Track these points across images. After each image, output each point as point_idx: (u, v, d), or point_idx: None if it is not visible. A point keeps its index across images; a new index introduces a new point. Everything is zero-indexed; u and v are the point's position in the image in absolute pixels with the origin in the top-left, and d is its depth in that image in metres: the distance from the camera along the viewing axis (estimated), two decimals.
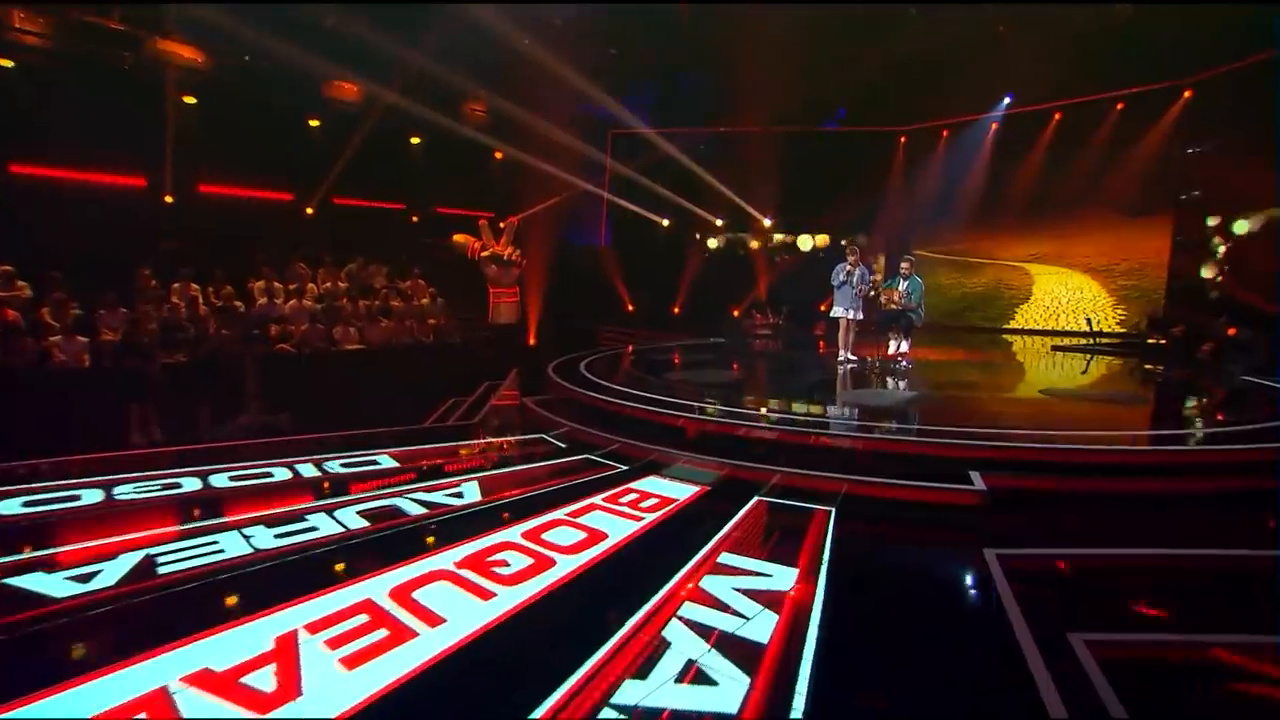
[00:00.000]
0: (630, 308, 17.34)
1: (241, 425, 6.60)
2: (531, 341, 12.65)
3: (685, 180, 16.70)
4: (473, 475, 4.89)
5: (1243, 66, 12.80)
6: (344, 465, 5.15)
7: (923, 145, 17.41)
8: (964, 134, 16.67)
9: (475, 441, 6.05)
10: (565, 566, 3.38)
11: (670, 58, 15.95)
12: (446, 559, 3.42)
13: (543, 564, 3.39)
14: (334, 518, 4.00)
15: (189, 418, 6.49)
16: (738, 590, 3.11)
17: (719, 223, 18.23)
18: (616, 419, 6.18)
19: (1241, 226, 13.58)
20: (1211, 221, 13.99)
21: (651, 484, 4.75)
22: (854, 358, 9.78)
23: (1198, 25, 12.58)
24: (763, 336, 14.70)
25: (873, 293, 9.48)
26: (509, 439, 6.17)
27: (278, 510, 4.10)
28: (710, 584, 3.18)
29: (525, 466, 5.19)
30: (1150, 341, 12.11)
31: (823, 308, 15.99)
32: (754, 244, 18.23)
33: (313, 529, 3.80)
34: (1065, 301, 16.27)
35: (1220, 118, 13.35)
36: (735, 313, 16.16)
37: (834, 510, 4.17)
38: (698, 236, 18.65)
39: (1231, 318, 11.66)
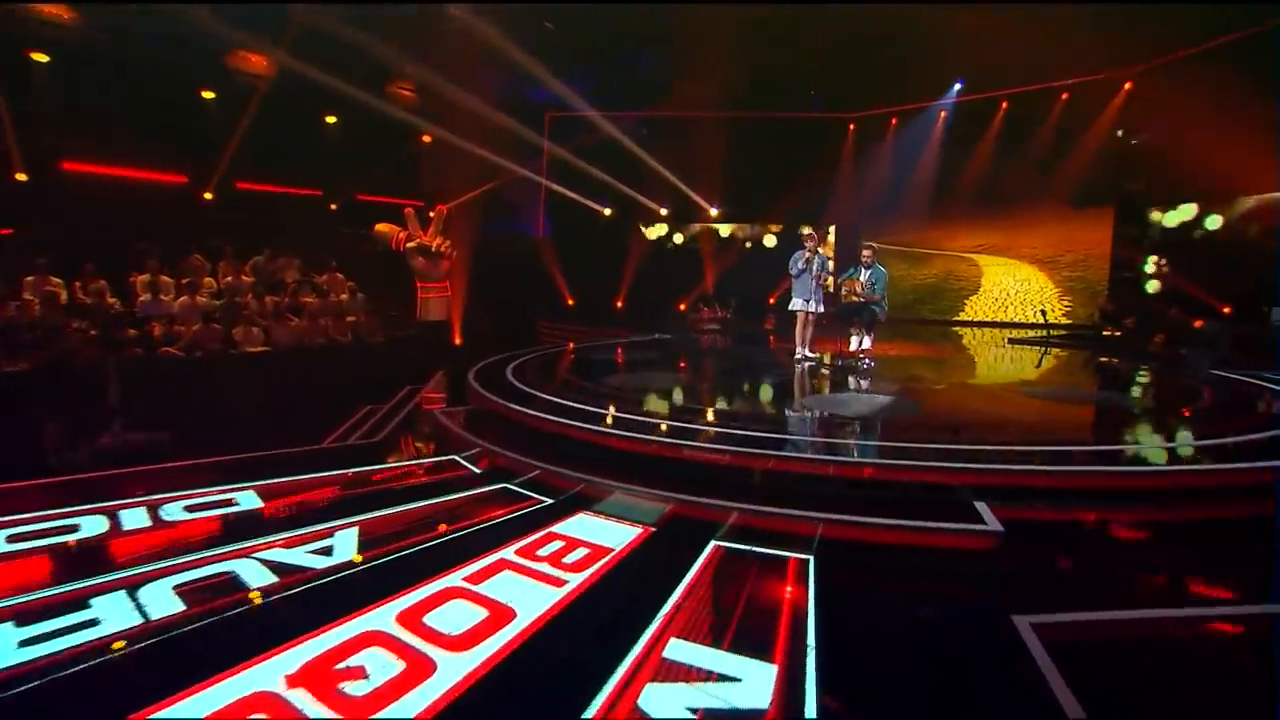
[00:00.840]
0: (570, 302, 16.26)
1: (68, 451, 5.24)
2: (457, 340, 11.43)
3: (628, 167, 15.77)
4: (354, 519, 3.78)
5: (1178, 59, 12.70)
6: (189, 509, 3.96)
7: (872, 133, 16.88)
8: (913, 122, 16.22)
9: (370, 468, 4.92)
10: (448, 676, 2.34)
11: (610, 38, 14.90)
12: (275, 672, 2.33)
13: (416, 671, 2.35)
14: (135, 599, 2.85)
15: None
16: (693, 715, 2.14)
17: (664, 212, 17.33)
18: (540, 438, 5.14)
19: (1175, 216, 13.52)
20: (1155, 214, 13.90)
21: (580, 525, 3.73)
22: (813, 355, 8.99)
23: (1136, 19, 12.33)
24: (710, 331, 13.85)
25: (829, 278, 8.64)
26: (413, 463, 5.05)
27: (52, 592, 2.92)
28: (655, 702, 2.20)
29: (424, 504, 4.10)
30: (1105, 334, 11.69)
31: (772, 300, 16.06)
32: (701, 234, 17.38)
33: (89, 623, 2.64)
34: (1014, 293, 16.07)
35: (1159, 110, 13.24)
36: (681, 306, 15.27)
37: (811, 559, 3.25)
38: (641, 226, 17.70)
39: (1183, 309, 11.48)
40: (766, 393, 7.03)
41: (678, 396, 6.57)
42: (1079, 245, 15.22)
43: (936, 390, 7.28)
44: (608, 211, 16.94)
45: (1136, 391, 7.40)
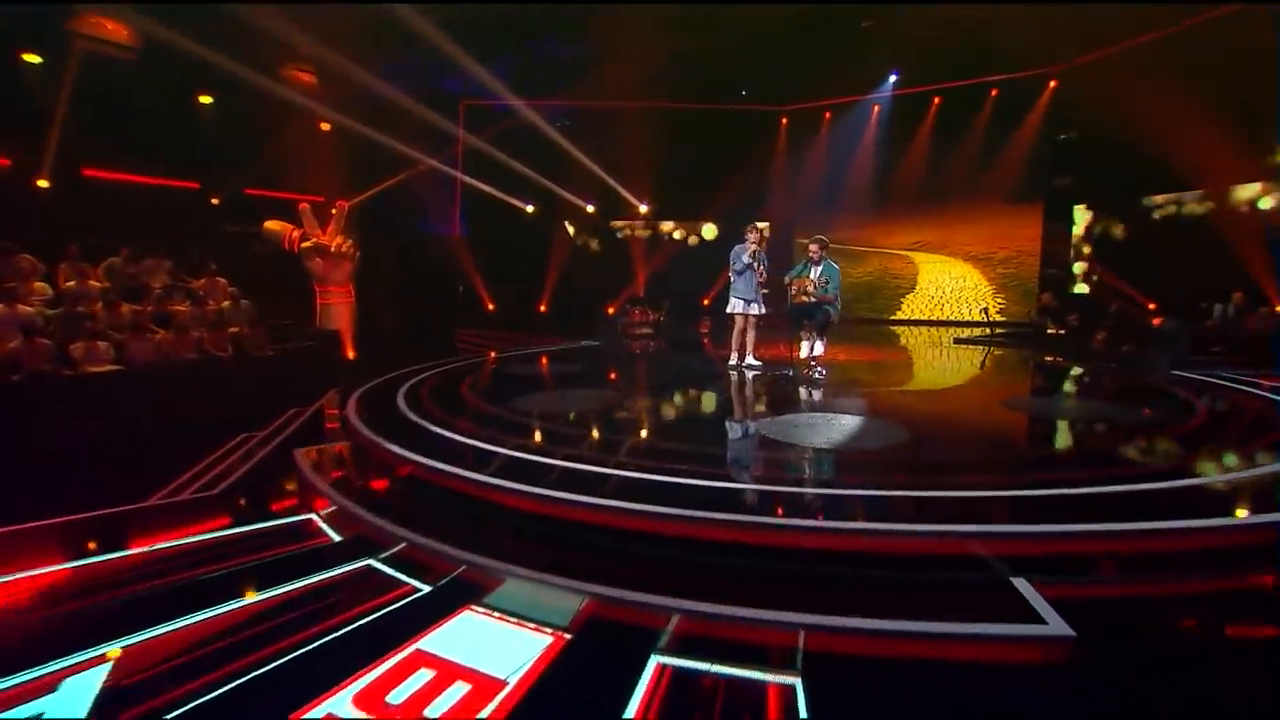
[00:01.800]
0: (491, 307, 14.91)
1: None
2: (350, 353, 9.99)
3: (551, 161, 14.58)
4: (115, 644, 2.49)
5: (1100, 58, 12.57)
6: None
7: (805, 127, 16.29)
8: (847, 116, 15.70)
9: (186, 540, 3.58)
10: None
11: (527, 21, 13.66)
12: None
13: None
14: None
15: None
16: None
17: (590, 209, 16.19)
18: (422, 492, 3.93)
19: (1104, 212, 13.38)
20: (1080, 210, 13.77)
21: (462, 635, 2.55)
22: (757, 362, 8.06)
23: (1061, 17, 12.09)
24: (642, 336, 12.77)
25: (761, 269, 7.71)
26: (249, 529, 3.73)
27: None
28: None
29: (246, 602, 2.83)
30: (1050, 331, 11.29)
31: (706, 301, 15.25)
32: (629, 231, 16.37)
33: None
34: (950, 291, 15.79)
35: (1085, 107, 13.08)
36: (610, 310, 14.18)
37: (798, 684, 2.19)
38: (567, 224, 16.53)
39: (1123, 306, 11.26)
40: (711, 416, 5.97)
41: (602, 427, 5.44)
42: (1011, 242, 15.07)
43: (904, 403, 6.44)
44: (530, 209, 15.68)
45: (1129, 400, 6.66)
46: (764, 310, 7.77)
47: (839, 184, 15.94)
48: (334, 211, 11.85)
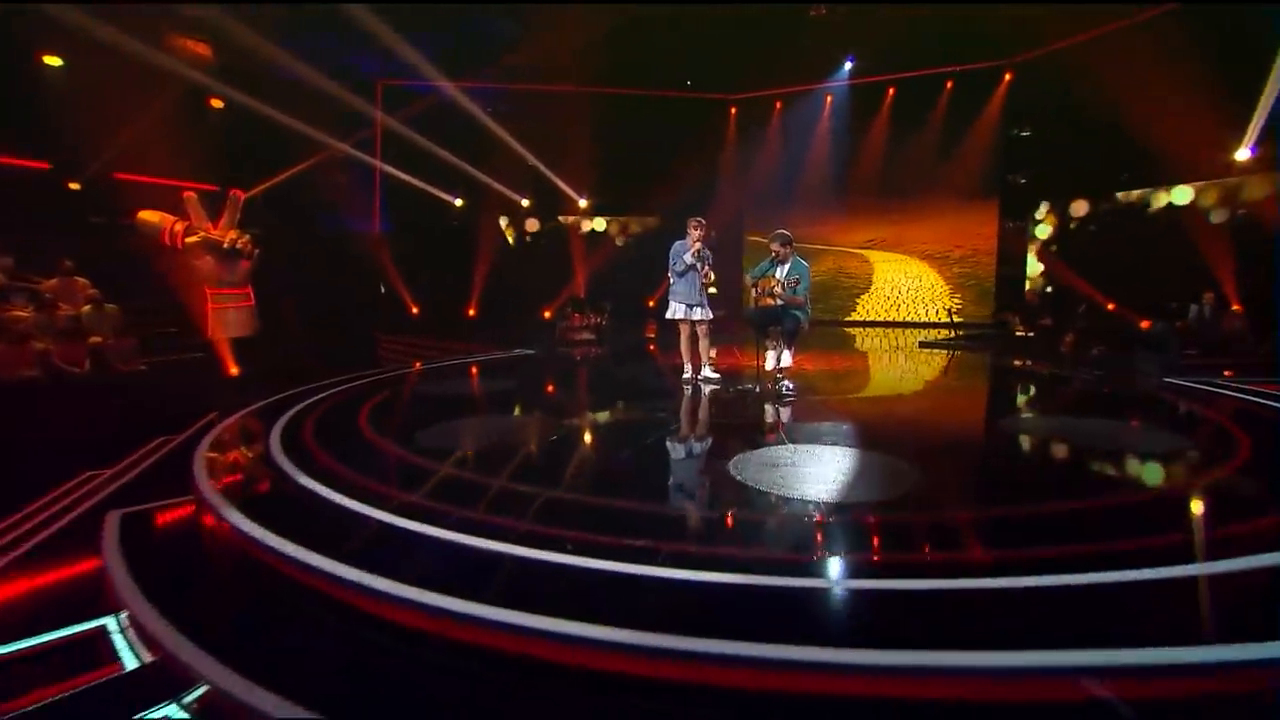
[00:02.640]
0: (415, 310, 13.53)
1: None
2: (231, 370, 8.54)
3: (482, 150, 13.40)
4: None
5: (1055, 50, 12.19)
6: None
7: (755, 117, 15.49)
8: (799, 106, 14.97)
9: None
10: None
11: None
12: None
13: None
14: None
15: None
16: None
17: (525, 203, 14.98)
18: (270, 590, 2.70)
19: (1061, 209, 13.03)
20: (1040, 207, 13.45)
21: None
22: (715, 375, 7.04)
23: (1016, 9, 11.60)
24: (583, 343, 11.66)
25: (707, 268, 6.76)
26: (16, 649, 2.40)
27: None
28: None
29: None
30: (1019, 333, 10.72)
31: (651, 302, 14.37)
32: (569, 228, 15.34)
33: None
34: (905, 290, 15.28)
35: (1040, 101, 12.83)
36: (546, 314, 12.98)
37: None
38: (501, 219, 15.24)
39: (1090, 309, 10.88)
40: (665, 453, 4.83)
41: (533, 477, 4.25)
42: (967, 240, 14.63)
43: (892, 424, 5.50)
44: (459, 202, 14.35)
45: (1151, 420, 5.81)
46: (710, 315, 6.85)
47: (791, 178, 15.21)
48: (228, 201, 10.37)
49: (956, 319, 13.94)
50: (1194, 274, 10.44)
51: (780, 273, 6.55)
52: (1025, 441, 5.07)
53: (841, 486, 3.67)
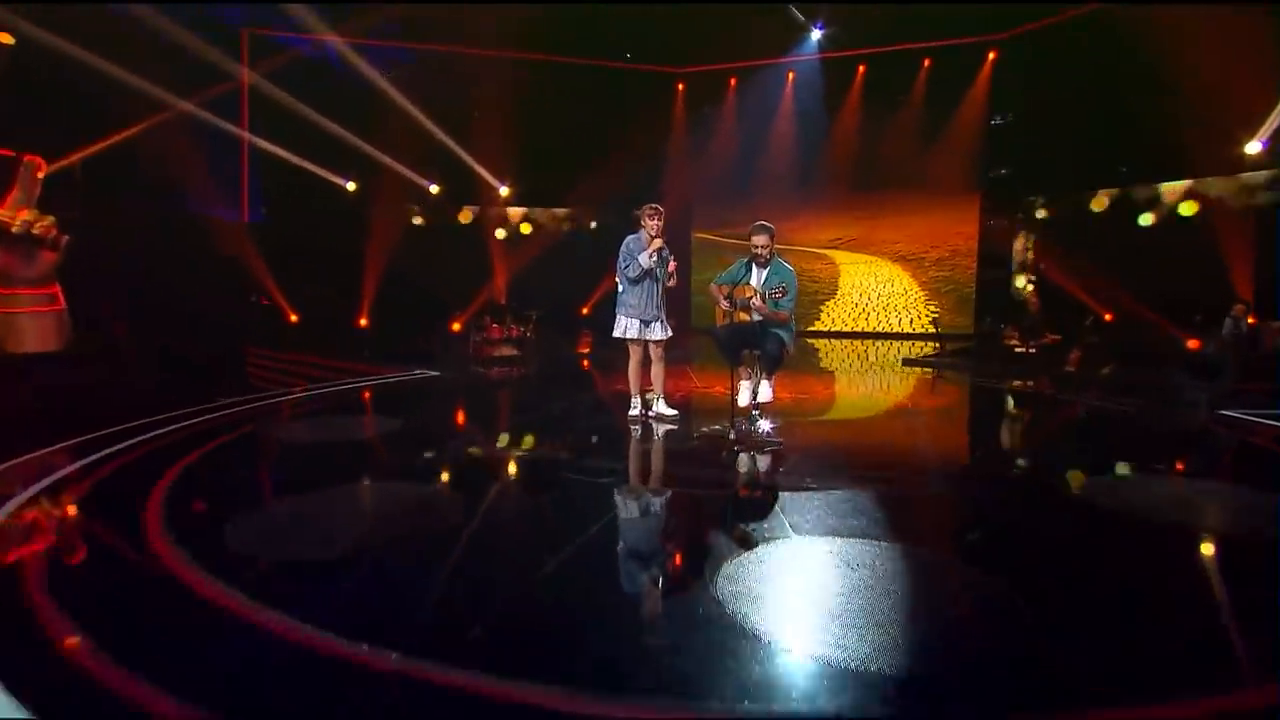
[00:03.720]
0: (294, 318, 11.65)
1: None
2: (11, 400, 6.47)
3: (382, 125, 11.76)
4: None
5: (1050, 24, 11.46)
6: None
7: (706, 95, 14.46)
8: (756, 83, 13.92)
9: None
10: None
11: None
12: None
13: None
14: None
15: None
16: None
17: (434, 189, 13.40)
18: None
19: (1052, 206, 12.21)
20: (1030, 204, 12.83)
21: None
22: (670, 411, 5.65)
23: None
24: (502, 360, 10.10)
25: (671, 271, 5.44)
26: None
27: None
28: None
29: None
30: (1019, 350, 9.66)
31: (586, 309, 13.59)
32: (487, 221, 13.97)
33: None
34: (876, 296, 14.46)
35: (1029, 83, 12.10)
36: (455, 326, 11.25)
37: None
38: (414, 211, 13.68)
39: (1097, 321, 9.96)
40: (611, 548, 3.15)
41: (378, 627, 2.47)
42: (945, 240, 13.87)
43: (919, 490, 4.00)
44: (351, 186, 12.52)
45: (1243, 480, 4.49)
46: (668, 333, 5.60)
47: (747, 167, 14.28)
48: (19, 171, 8.35)
49: (919, 328, 13.07)
50: (1213, 281, 9.61)
51: (758, 279, 5.11)
52: (1094, 509, 3.61)
53: (878, 628, 2.10)
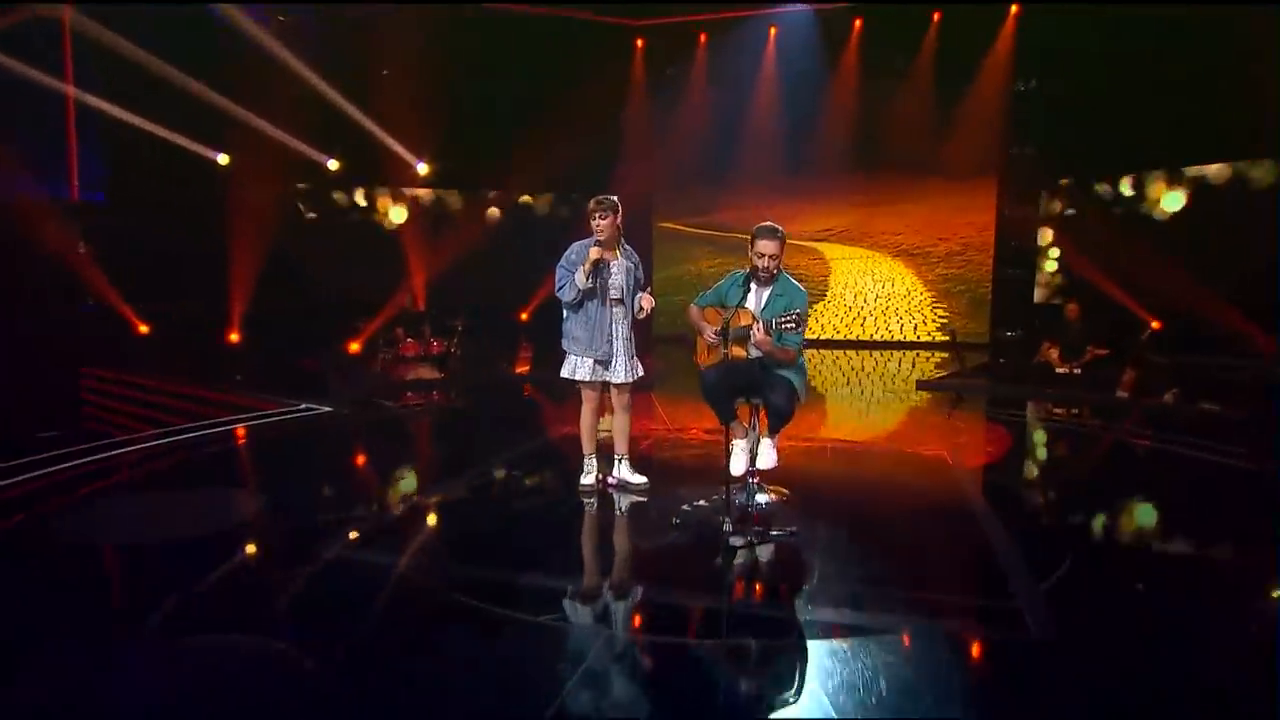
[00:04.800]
0: (143, 329, 10.54)
1: None
2: None
3: (265, 85, 10.72)
4: None
5: None
6: None
7: (671, 54, 13.88)
8: (731, 41, 13.40)
9: None
10: None
11: None
12: None
13: None
14: None
15: None
16: None
17: (332, 165, 12.43)
18: None
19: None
20: (1059, 189, 12.23)
21: None
22: (638, 479, 4.78)
23: None
24: (417, 385, 9.17)
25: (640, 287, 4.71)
26: None
27: None
28: None
29: None
30: (1060, 371, 9.03)
31: (525, 314, 13.35)
32: (400, 206, 13.25)
33: None
34: (873, 298, 14.03)
35: (1062, 44, 11.41)
36: (355, 345, 10.31)
37: None
38: (305, 193, 12.80)
39: (1152, 335, 9.30)
40: None
41: None
42: (955, 231, 13.25)
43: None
44: (223, 159, 11.38)
45: None
46: (637, 373, 4.80)
47: (720, 143, 13.75)
48: None
49: (925, 336, 12.69)
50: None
51: (758, 302, 4.30)
52: None
53: None
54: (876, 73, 12.79)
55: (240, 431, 6.58)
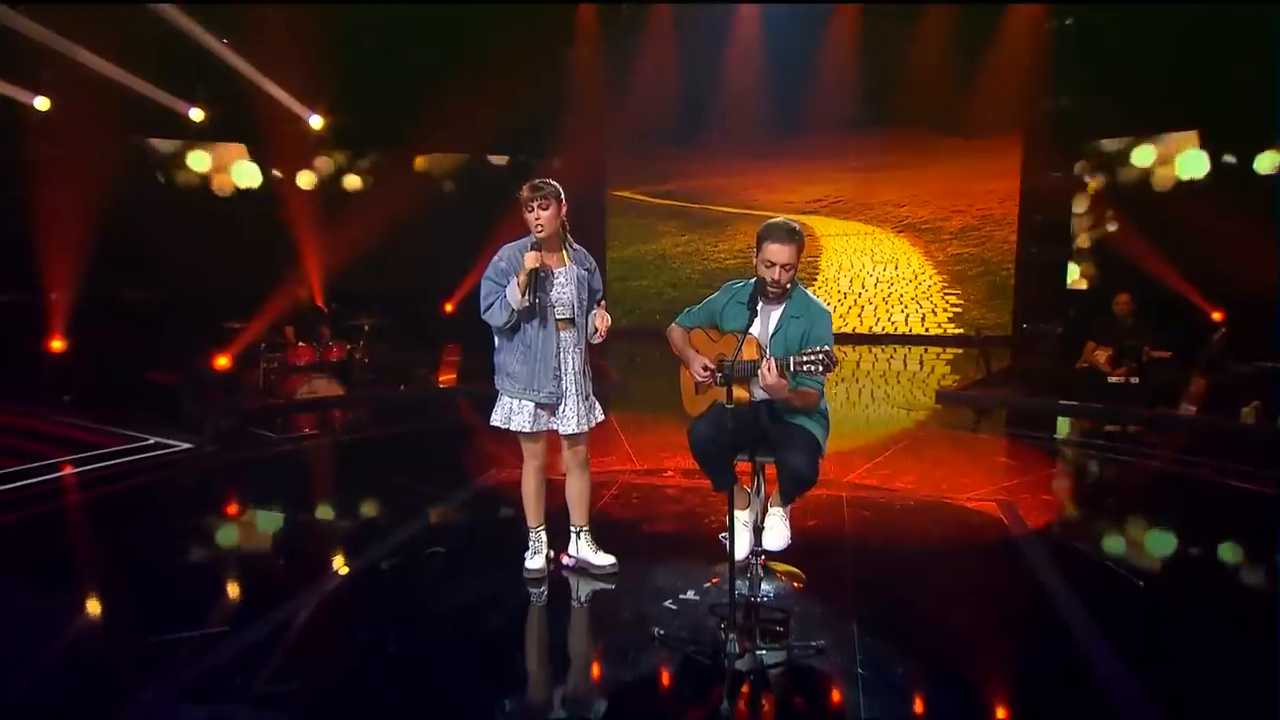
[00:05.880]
0: None
1: None
2: None
3: (93, 12, 10.25)
4: None
5: None
6: None
7: None
8: None
9: None
10: None
11: None
12: None
13: None
14: None
15: None
16: None
17: (195, 116, 11.96)
18: None
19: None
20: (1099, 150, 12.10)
21: None
22: (605, 560, 4.37)
23: None
24: (313, 405, 8.71)
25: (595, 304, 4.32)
26: None
27: None
28: None
29: None
30: (1113, 380, 8.76)
31: (450, 305, 12.97)
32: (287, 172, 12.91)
33: None
34: (873, 283, 14.05)
35: None
36: (222, 359, 9.51)
37: None
38: (158, 151, 12.30)
39: (1225, 333, 9.03)
40: None
41: None
42: (972, 202, 13.38)
43: None
44: (43, 104, 10.78)
45: None
46: (596, 418, 4.33)
47: (690, 97, 13.77)
48: None
49: (978, 336, 12.26)
50: None
51: (763, 325, 3.90)
52: None
53: None
54: (882, 9, 12.68)
55: (57, 483, 5.75)
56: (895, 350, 12.93)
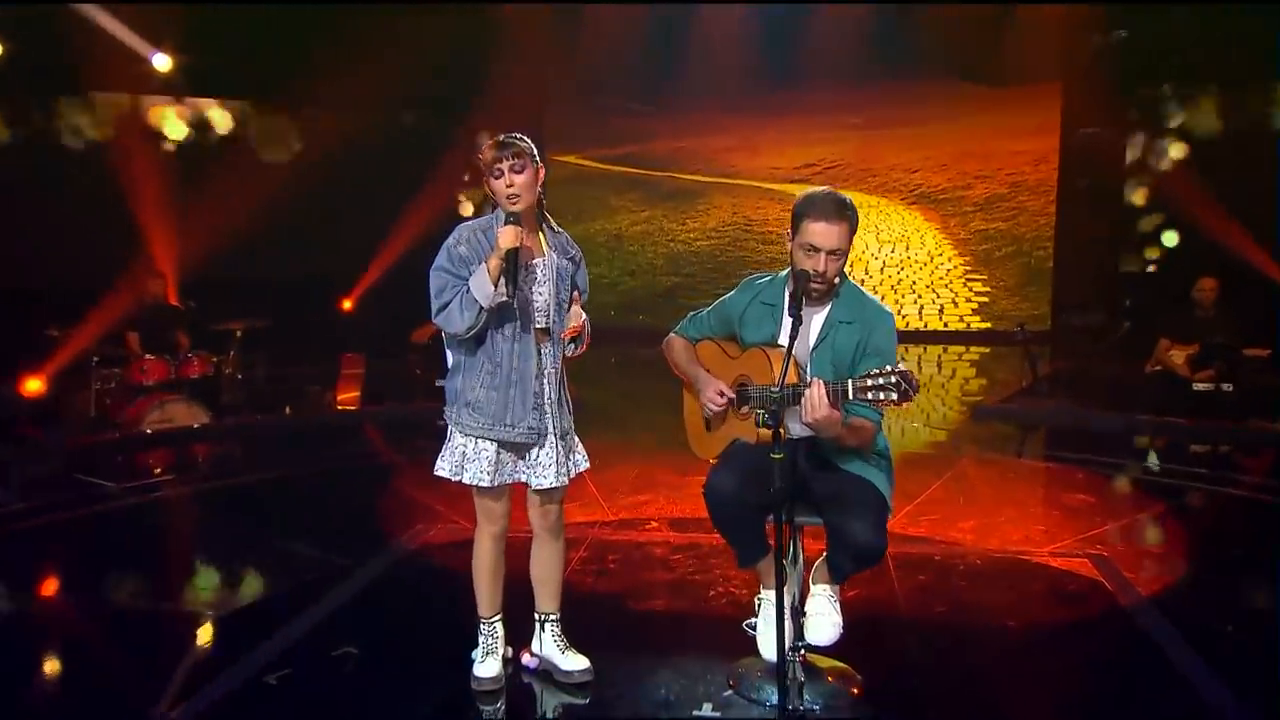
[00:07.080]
0: None
1: None
2: None
3: None
4: None
5: None
6: None
7: None
8: None
9: None
10: None
11: None
12: None
13: None
14: None
15: None
16: None
17: None
18: None
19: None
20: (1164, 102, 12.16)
21: None
22: (572, 664, 4.09)
23: None
24: (170, 438, 8.38)
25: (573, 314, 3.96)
26: None
27: None
28: None
29: None
30: (1199, 387, 8.75)
31: (347, 303, 13.02)
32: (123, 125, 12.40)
33: None
34: (879, 267, 14.40)
35: None
36: (35, 382, 9.12)
37: None
38: None
39: None
40: None
41: None
42: (1002, 165, 13.67)
43: None
44: None
45: None
46: (577, 468, 3.98)
47: (654, 40, 13.82)
48: None
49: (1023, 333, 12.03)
50: None
51: (803, 335, 3.58)
52: None
53: None
54: None
55: None
56: (908, 350, 12.64)
